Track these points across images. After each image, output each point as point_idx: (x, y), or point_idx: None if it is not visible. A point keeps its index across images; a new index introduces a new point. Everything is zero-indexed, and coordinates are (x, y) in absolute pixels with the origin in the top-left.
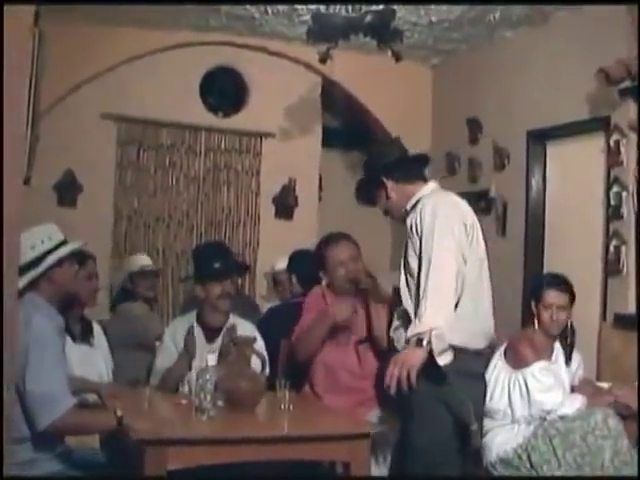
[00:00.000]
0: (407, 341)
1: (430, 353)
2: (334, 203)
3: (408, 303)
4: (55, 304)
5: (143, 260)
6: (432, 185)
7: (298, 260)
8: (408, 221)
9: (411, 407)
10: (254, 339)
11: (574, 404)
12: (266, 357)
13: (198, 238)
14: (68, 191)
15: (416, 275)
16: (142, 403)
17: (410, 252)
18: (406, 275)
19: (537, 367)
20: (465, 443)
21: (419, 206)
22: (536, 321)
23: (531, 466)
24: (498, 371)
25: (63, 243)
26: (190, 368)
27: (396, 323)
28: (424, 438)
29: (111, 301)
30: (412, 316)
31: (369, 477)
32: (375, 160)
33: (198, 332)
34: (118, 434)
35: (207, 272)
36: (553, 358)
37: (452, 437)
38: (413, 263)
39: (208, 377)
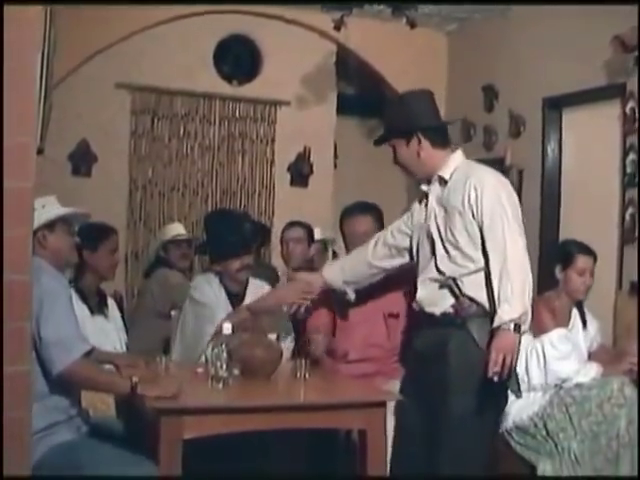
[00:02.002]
0: (498, 324)
1: None
2: (349, 171)
3: (454, 274)
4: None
5: (176, 229)
6: (460, 153)
7: None
8: (449, 193)
9: (450, 377)
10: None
11: (590, 373)
12: (290, 326)
13: (213, 207)
14: (83, 161)
15: (466, 250)
16: (158, 372)
17: (458, 226)
18: (444, 246)
19: (556, 334)
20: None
21: (465, 179)
22: (561, 287)
23: (547, 434)
24: None
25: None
26: None
27: (431, 288)
28: (467, 404)
29: (145, 269)
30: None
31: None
32: (413, 113)
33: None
34: (134, 403)
35: (222, 249)
36: (570, 325)
37: (494, 403)
38: (461, 238)
39: (223, 346)
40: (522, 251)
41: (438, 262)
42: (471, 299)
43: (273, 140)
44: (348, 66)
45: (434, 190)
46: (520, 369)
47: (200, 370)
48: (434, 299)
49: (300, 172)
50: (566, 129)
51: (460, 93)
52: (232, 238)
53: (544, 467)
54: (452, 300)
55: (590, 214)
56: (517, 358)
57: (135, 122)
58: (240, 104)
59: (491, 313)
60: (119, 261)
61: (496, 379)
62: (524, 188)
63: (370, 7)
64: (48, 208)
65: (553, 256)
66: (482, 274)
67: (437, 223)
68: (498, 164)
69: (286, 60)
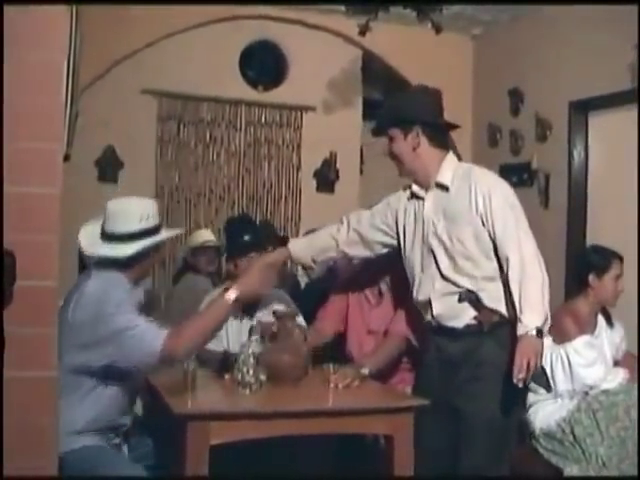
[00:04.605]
0: (523, 332)
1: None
2: (375, 176)
3: (469, 286)
4: (133, 282)
5: (205, 235)
6: (453, 156)
7: None
8: (451, 200)
9: (480, 378)
10: (296, 312)
11: (616, 378)
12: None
13: (239, 213)
14: (109, 167)
15: (477, 258)
16: (185, 379)
17: (467, 235)
18: (452, 257)
19: (580, 342)
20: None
21: (469, 185)
22: (592, 293)
23: (574, 439)
24: None
25: (161, 225)
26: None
27: (449, 302)
28: (496, 406)
29: (174, 274)
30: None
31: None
32: (416, 106)
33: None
34: (160, 408)
35: (232, 247)
36: (596, 332)
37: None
38: (472, 247)
39: (250, 351)
40: (536, 253)
41: (449, 275)
42: (492, 310)
43: (299, 146)
44: (373, 71)
45: (431, 197)
46: None
47: (227, 376)
48: (454, 313)
49: (326, 178)
50: (592, 132)
51: (486, 97)
52: (241, 237)
53: (571, 472)
54: (473, 312)
55: (617, 217)
56: (542, 362)
57: (161, 128)
58: (266, 110)
59: (511, 319)
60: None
61: (521, 385)
62: (551, 192)
63: (395, 11)
64: (155, 219)
65: (585, 262)
66: (499, 283)
67: (438, 234)
68: (525, 168)
69: (311, 65)
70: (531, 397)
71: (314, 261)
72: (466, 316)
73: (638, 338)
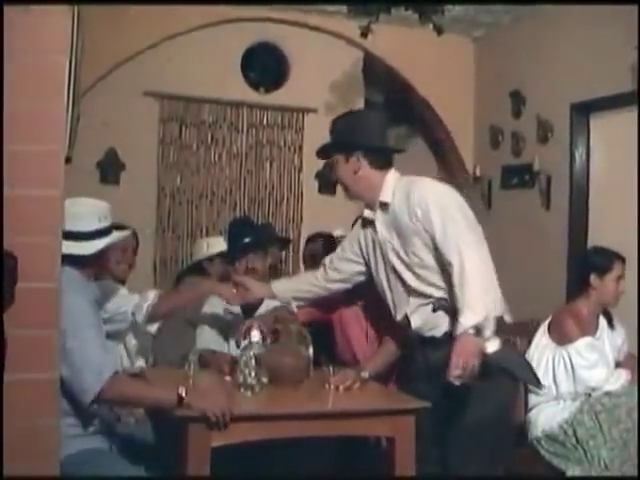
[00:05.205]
0: (460, 331)
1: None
2: None
3: (435, 294)
4: (87, 277)
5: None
6: (395, 172)
7: None
8: (395, 216)
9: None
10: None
11: (618, 380)
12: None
13: (241, 215)
14: (111, 169)
15: (436, 266)
16: (186, 381)
17: (418, 245)
18: (412, 270)
19: (582, 343)
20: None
21: (407, 198)
22: (594, 293)
23: (577, 441)
24: (542, 347)
25: (116, 226)
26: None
27: (425, 314)
28: (487, 410)
29: (177, 273)
30: (457, 305)
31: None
32: (356, 131)
33: (235, 308)
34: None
35: (229, 251)
36: (598, 334)
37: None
38: (425, 256)
39: (252, 353)
40: (480, 258)
41: (417, 287)
42: None
43: (301, 147)
44: (375, 73)
45: (379, 217)
46: (547, 378)
47: (228, 378)
48: (432, 324)
49: (328, 179)
50: (594, 134)
51: (487, 99)
52: (241, 239)
53: (573, 474)
54: (447, 318)
55: (618, 219)
56: (479, 363)
57: (163, 130)
58: (268, 112)
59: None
60: (132, 262)
61: (457, 383)
62: (553, 194)
63: (397, 13)
64: (109, 219)
65: (587, 263)
66: None
67: (396, 251)
68: (527, 170)
69: (313, 67)
70: (533, 399)
71: (296, 299)
72: (444, 324)
73: (638, 340)
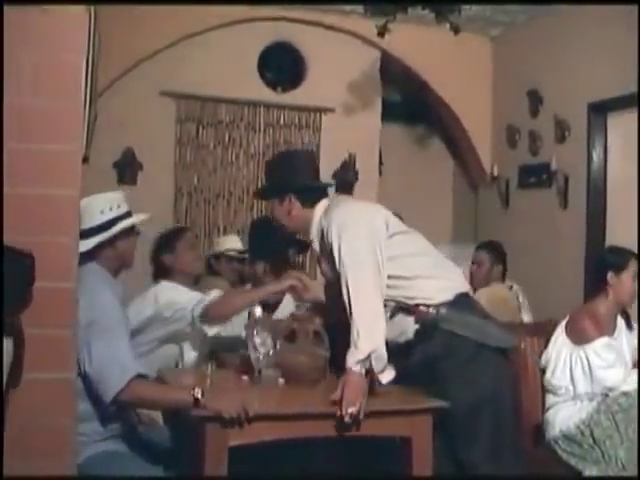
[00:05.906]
0: (347, 367)
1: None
2: (394, 177)
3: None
4: (112, 273)
5: (230, 242)
6: (325, 202)
7: None
8: (321, 245)
9: (445, 375)
10: (313, 315)
11: (635, 380)
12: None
13: (258, 214)
14: (128, 169)
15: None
16: (204, 381)
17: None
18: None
19: (599, 343)
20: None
21: (324, 226)
22: (611, 292)
23: (594, 441)
24: (560, 346)
25: (129, 214)
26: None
27: (389, 323)
28: (475, 390)
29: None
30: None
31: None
32: (286, 175)
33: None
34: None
35: (250, 252)
36: (615, 334)
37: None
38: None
39: (256, 331)
40: (365, 291)
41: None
42: (420, 306)
43: (318, 147)
44: (392, 72)
45: (317, 249)
46: (565, 378)
47: (245, 378)
48: (399, 330)
49: (345, 179)
50: (611, 133)
51: (505, 98)
52: (255, 242)
53: (590, 474)
54: (412, 319)
55: (636, 218)
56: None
57: (180, 130)
58: (284, 111)
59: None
60: (201, 257)
61: (347, 419)
62: (570, 193)
63: (414, 12)
64: (123, 209)
65: (603, 262)
66: (410, 281)
67: (337, 274)
68: (544, 169)
69: (330, 67)
70: (550, 399)
71: None
72: (410, 326)
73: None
